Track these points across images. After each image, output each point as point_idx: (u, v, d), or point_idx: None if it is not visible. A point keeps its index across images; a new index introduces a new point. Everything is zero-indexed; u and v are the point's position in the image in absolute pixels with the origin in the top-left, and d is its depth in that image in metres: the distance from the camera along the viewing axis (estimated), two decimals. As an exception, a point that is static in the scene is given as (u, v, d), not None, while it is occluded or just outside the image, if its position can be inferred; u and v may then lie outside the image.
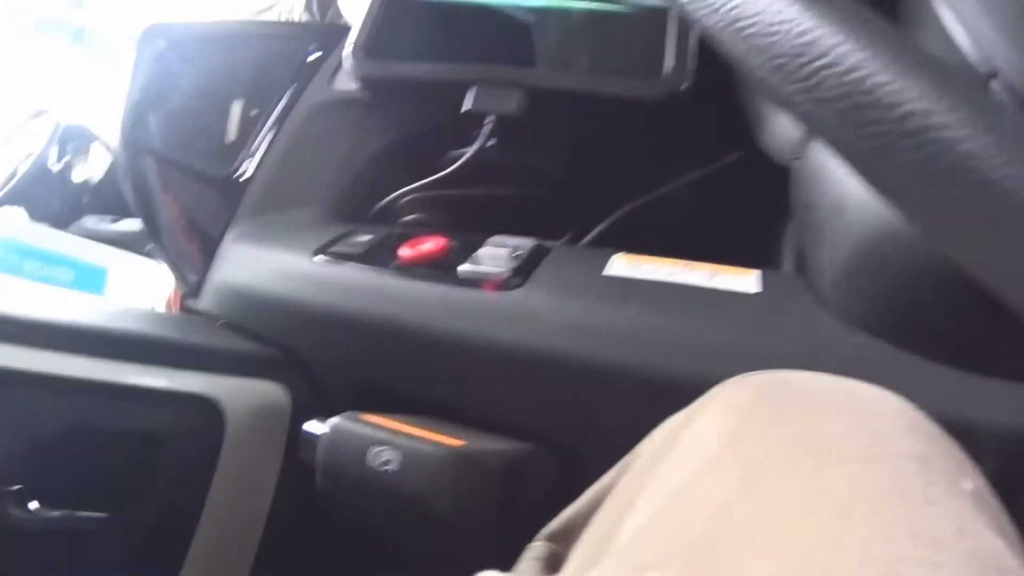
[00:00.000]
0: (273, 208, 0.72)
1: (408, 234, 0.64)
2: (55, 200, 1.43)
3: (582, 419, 0.55)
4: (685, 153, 0.70)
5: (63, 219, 1.40)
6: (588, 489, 0.41)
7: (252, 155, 0.74)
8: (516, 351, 0.54)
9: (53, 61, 1.63)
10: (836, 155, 0.26)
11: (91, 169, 1.47)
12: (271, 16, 1.21)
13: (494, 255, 0.59)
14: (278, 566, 0.66)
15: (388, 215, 0.74)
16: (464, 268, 0.58)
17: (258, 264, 0.66)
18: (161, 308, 0.92)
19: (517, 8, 0.71)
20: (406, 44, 0.71)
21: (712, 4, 0.28)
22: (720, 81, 0.63)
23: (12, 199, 1.34)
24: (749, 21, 0.27)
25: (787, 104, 0.27)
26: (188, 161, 0.77)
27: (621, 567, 0.31)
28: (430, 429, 0.54)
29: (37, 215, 1.34)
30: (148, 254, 1.10)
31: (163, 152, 0.78)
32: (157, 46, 0.82)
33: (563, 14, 0.71)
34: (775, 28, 0.26)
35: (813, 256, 0.54)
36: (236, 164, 0.74)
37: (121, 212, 1.36)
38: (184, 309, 0.74)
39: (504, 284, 0.56)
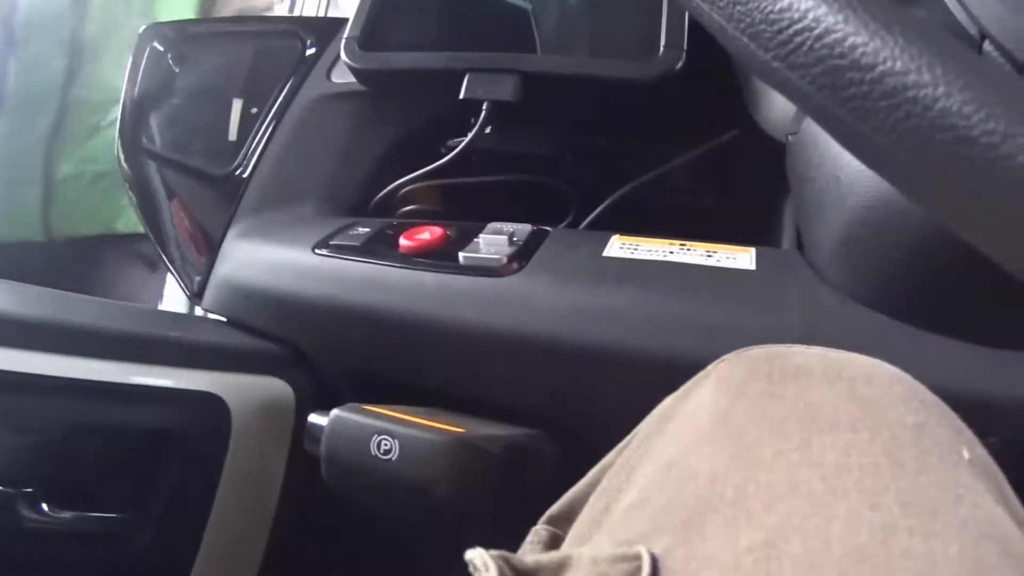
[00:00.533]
0: (273, 204, 0.72)
1: (407, 224, 0.64)
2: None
3: (584, 403, 0.55)
4: (681, 133, 0.70)
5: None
6: (589, 471, 0.41)
7: (252, 152, 0.74)
8: (517, 336, 0.54)
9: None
10: (816, 121, 0.26)
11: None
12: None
13: (493, 241, 0.59)
14: (288, 558, 0.66)
15: (387, 206, 0.74)
16: (464, 255, 0.58)
17: (259, 261, 0.66)
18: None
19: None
20: (402, 35, 0.71)
21: None
22: (715, 60, 0.62)
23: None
24: None
25: (766, 73, 0.26)
26: (189, 161, 0.78)
27: (613, 541, 0.31)
28: (431, 417, 0.54)
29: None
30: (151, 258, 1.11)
31: (164, 153, 0.78)
32: (156, 46, 0.83)
33: (557, -1, 0.71)
34: None
35: (810, 231, 0.54)
36: (236, 162, 0.74)
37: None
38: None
39: (504, 269, 0.56)
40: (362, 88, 0.73)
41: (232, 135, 0.77)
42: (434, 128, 0.72)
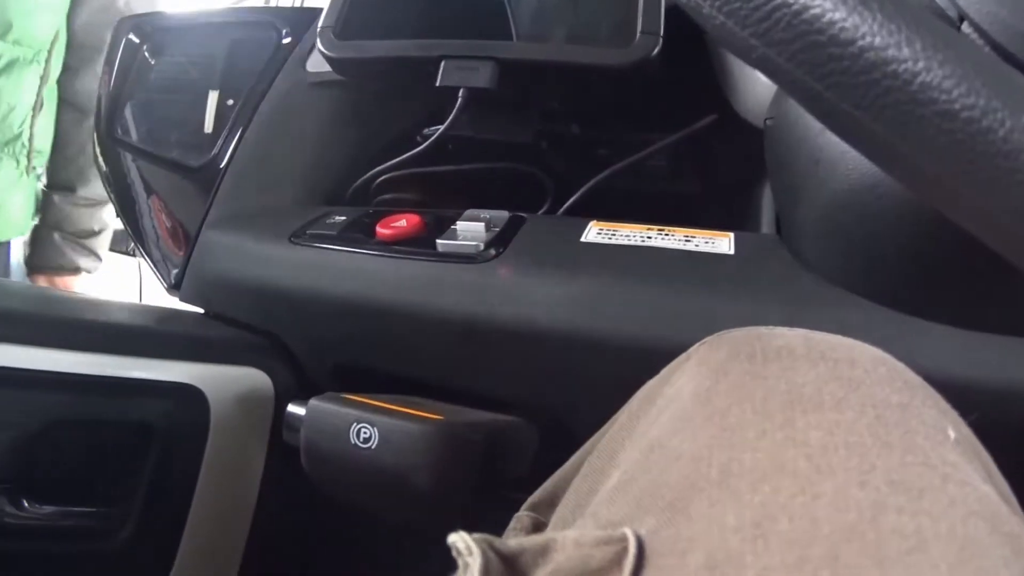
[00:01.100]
0: (250, 195, 0.71)
1: (384, 213, 0.63)
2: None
3: (562, 389, 0.55)
4: (658, 119, 0.70)
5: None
6: (571, 457, 0.41)
7: (228, 143, 0.74)
8: (495, 322, 0.54)
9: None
10: (796, 99, 0.26)
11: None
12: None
13: (470, 228, 0.58)
14: (269, 549, 0.66)
15: (364, 195, 0.73)
16: (441, 242, 0.58)
17: (235, 251, 0.66)
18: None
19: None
20: (377, 23, 0.71)
21: None
22: (692, 46, 0.62)
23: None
24: None
25: (744, 51, 0.26)
26: (165, 153, 0.77)
27: (597, 524, 0.31)
28: (410, 406, 0.54)
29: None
30: (131, 252, 1.10)
31: (140, 145, 0.78)
32: (131, 38, 0.82)
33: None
34: None
35: (789, 215, 0.54)
36: (213, 153, 0.73)
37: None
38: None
39: (482, 256, 0.56)
40: (338, 77, 0.73)
41: (208, 126, 0.76)
42: (411, 116, 0.72)
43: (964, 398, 0.32)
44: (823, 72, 0.24)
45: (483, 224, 0.58)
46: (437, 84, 0.65)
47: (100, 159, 0.81)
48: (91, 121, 0.97)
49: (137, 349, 0.61)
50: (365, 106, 0.75)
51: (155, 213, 0.77)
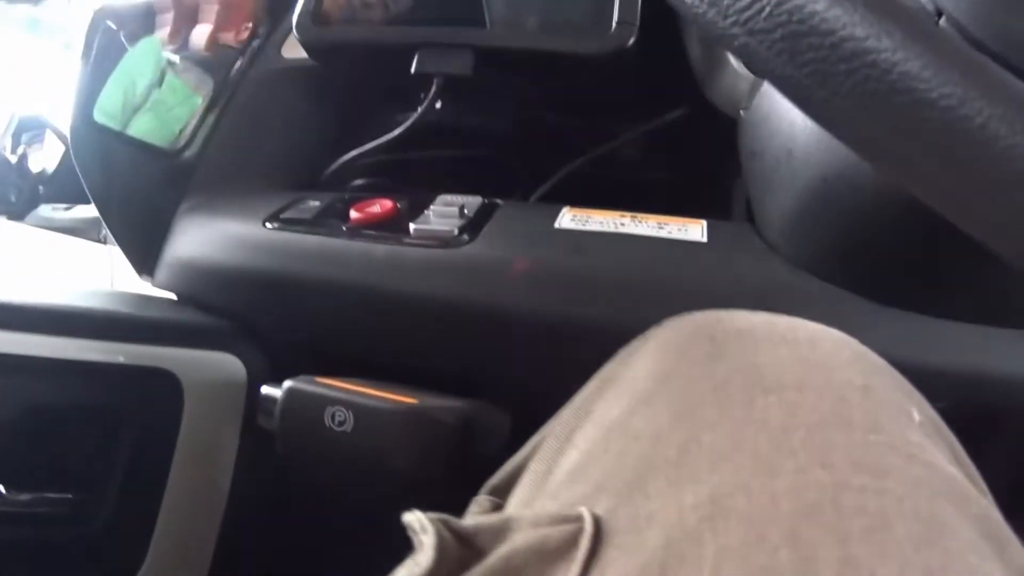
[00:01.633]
0: (225, 179, 0.71)
1: (358, 197, 0.63)
2: (11, 191, 1.42)
3: (534, 372, 0.55)
4: (633, 108, 0.70)
5: (20, 209, 1.39)
6: (528, 441, 0.41)
7: (203, 128, 0.73)
8: (467, 307, 0.55)
9: (7, 51, 1.61)
10: (776, 86, 0.27)
11: (47, 159, 1.46)
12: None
13: (443, 213, 0.59)
14: (244, 533, 0.66)
15: (338, 180, 0.73)
16: (415, 227, 0.58)
17: (209, 236, 0.66)
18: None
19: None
20: (354, 9, 0.71)
21: None
22: (667, 35, 0.63)
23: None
24: None
25: (725, 39, 0.27)
26: (140, 137, 0.77)
27: (556, 503, 0.31)
28: (384, 389, 0.54)
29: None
30: (103, 240, 1.09)
31: (114, 130, 0.77)
32: (109, 25, 0.81)
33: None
34: None
35: (762, 205, 0.54)
36: (188, 138, 0.73)
37: (77, 200, 1.34)
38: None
39: (455, 241, 0.56)
40: (314, 63, 0.73)
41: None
42: (385, 101, 0.72)
43: (933, 385, 0.32)
44: (803, 60, 0.24)
45: (456, 209, 0.59)
46: (413, 71, 0.65)
47: (76, 143, 0.80)
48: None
49: (110, 334, 0.61)
50: (340, 92, 0.75)
51: (130, 198, 0.77)
